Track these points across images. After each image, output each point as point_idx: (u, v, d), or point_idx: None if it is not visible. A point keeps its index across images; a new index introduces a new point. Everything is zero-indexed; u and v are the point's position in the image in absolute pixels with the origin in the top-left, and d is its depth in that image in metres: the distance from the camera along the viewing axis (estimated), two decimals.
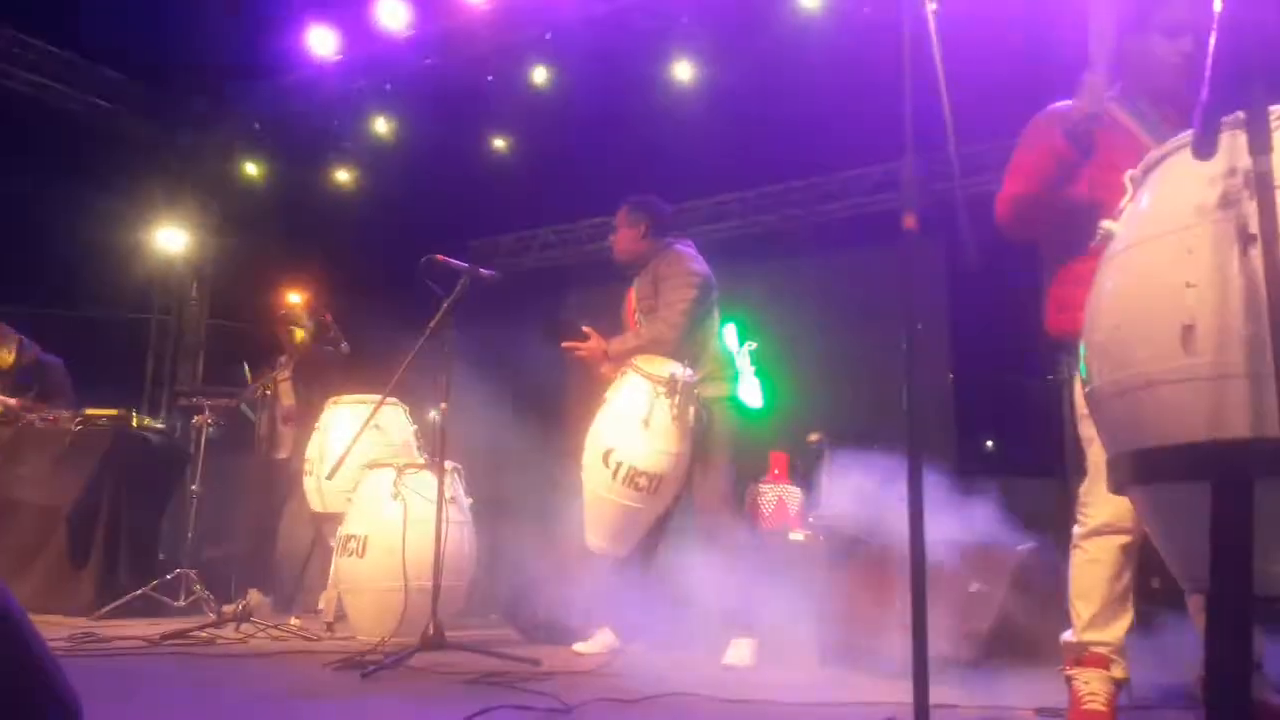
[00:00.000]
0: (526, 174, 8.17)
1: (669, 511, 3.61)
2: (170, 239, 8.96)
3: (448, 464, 4.16)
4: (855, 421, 5.50)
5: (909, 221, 1.64)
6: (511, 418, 4.28)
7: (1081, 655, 2.24)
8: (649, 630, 3.74)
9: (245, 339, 7.00)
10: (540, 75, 7.38)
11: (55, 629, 3.85)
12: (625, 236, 3.84)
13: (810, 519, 4.10)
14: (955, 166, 2.03)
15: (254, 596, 4.91)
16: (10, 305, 6.24)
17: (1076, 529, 2.26)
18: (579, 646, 3.76)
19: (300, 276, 6.55)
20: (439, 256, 3.51)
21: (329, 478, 4.21)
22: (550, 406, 4.59)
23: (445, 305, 3.48)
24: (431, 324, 3.51)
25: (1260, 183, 1.32)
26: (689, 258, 3.75)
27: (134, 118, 8.72)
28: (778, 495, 4.33)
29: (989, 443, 7.85)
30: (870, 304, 6.12)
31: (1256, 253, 1.42)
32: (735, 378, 3.75)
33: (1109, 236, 1.70)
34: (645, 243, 3.81)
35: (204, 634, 3.89)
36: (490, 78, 7.61)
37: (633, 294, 3.87)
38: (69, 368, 5.90)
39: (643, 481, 3.36)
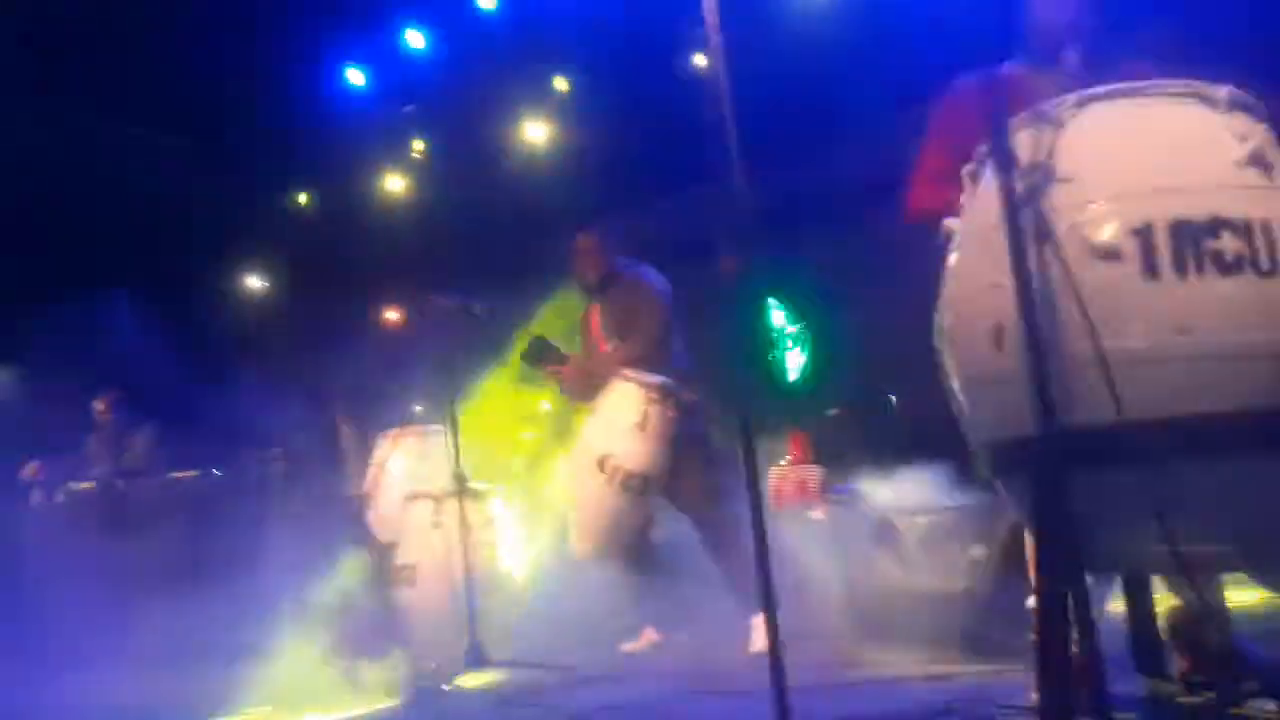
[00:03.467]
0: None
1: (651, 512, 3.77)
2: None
3: (486, 486, 4.39)
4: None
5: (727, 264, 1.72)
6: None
7: None
8: (688, 620, 3.89)
9: None
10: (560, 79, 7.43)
11: None
12: (596, 260, 3.99)
13: (831, 496, 4.17)
14: None
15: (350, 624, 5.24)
16: None
17: None
18: (625, 646, 3.94)
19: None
20: (432, 298, 3.72)
21: (353, 522, 4.47)
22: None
23: (444, 348, 3.69)
24: (435, 362, 3.73)
25: (1006, 198, 1.37)
26: (655, 279, 3.95)
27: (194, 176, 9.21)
28: (797, 475, 4.40)
29: None
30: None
31: (1050, 250, 1.47)
32: (698, 383, 3.90)
33: (950, 235, 1.75)
34: (610, 265, 3.97)
35: None
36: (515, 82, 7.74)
37: (597, 314, 4.03)
38: None
39: (635, 484, 3.52)
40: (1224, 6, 3.84)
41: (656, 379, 3.62)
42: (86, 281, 7.06)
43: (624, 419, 3.57)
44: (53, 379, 6.18)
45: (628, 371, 3.66)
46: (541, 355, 3.93)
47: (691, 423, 3.73)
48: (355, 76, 7.90)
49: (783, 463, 4.50)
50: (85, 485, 5.83)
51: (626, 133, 6.23)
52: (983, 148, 1.71)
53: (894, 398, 4.58)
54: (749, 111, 1.90)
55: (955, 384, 1.68)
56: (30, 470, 5.85)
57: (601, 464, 3.55)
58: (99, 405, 6.19)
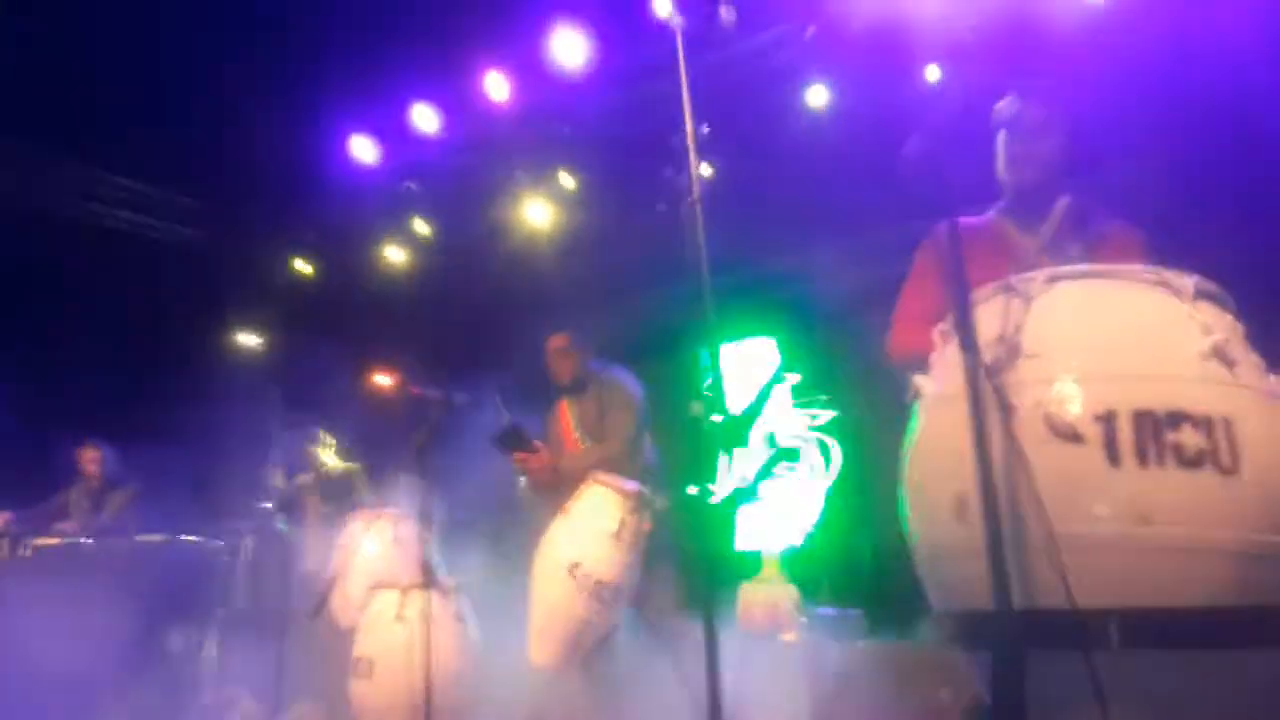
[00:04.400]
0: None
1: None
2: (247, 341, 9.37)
3: (453, 582, 4.31)
4: None
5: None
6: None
7: None
8: None
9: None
10: (564, 176, 7.55)
11: None
12: (571, 361, 4.03)
13: (804, 619, 4.10)
14: None
15: (299, 710, 5.09)
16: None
17: None
18: None
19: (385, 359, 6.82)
20: (414, 389, 3.72)
21: (312, 617, 4.38)
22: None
23: (420, 435, 3.67)
24: (412, 451, 3.71)
25: (971, 378, 1.38)
26: (629, 382, 4.01)
27: (202, 235, 9.30)
28: (769, 594, 4.31)
29: None
30: None
31: (1016, 424, 1.47)
32: (668, 489, 3.91)
33: (918, 393, 1.74)
34: (584, 366, 4.04)
35: None
36: (517, 171, 7.88)
37: (567, 411, 4.09)
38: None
39: (606, 594, 3.43)
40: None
41: (634, 486, 3.58)
42: (79, 330, 7.09)
43: (599, 525, 3.51)
44: (41, 429, 6.14)
45: (604, 476, 3.62)
46: (513, 442, 3.92)
47: (664, 532, 3.70)
48: (363, 148, 8.03)
49: (754, 580, 4.42)
50: (51, 541, 5.74)
51: (617, 232, 6.33)
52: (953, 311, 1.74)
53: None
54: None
55: (917, 546, 1.67)
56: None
57: (572, 570, 3.48)
58: (87, 454, 6.14)
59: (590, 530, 3.54)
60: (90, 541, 5.74)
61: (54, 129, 7.05)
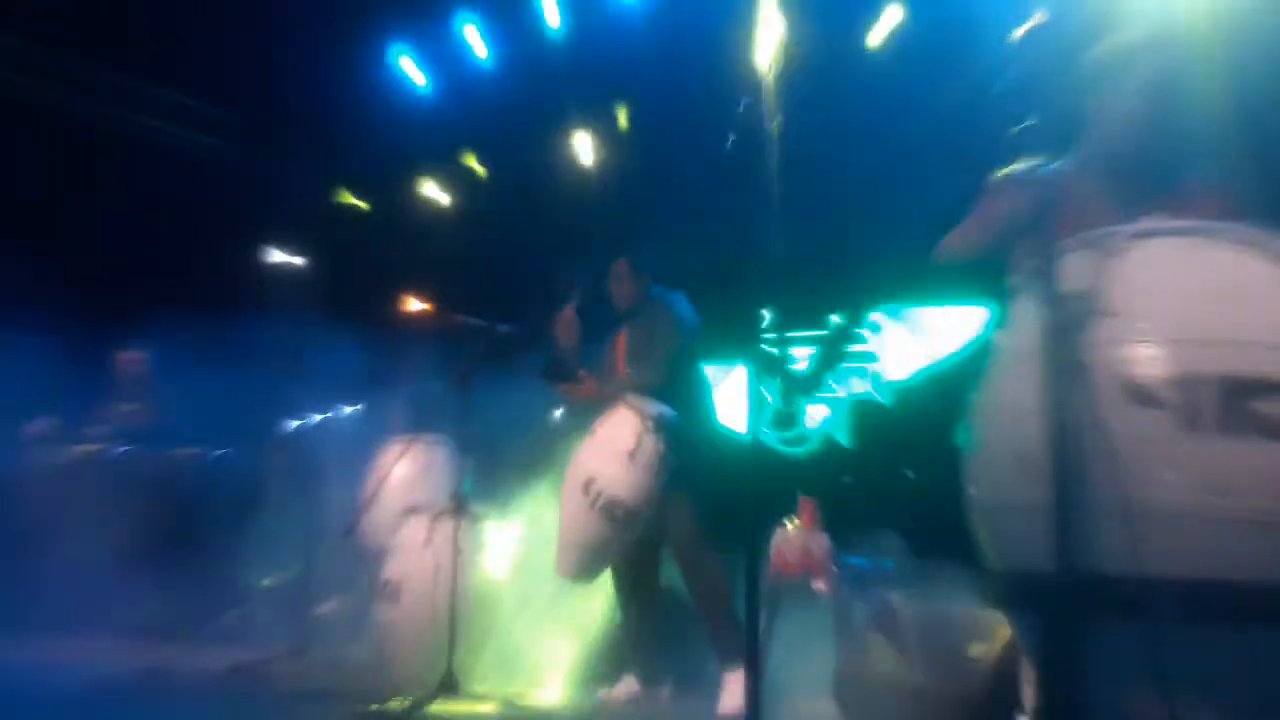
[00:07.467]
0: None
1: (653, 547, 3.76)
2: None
3: (482, 510, 4.33)
4: None
5: None
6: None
7: None
8: (675, 673, 3.83)
9: None
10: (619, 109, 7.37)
11: None
12: (625, 286, 3.98)
13: (834, 567, 4.08)
14: None
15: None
16: None
17: None
18: (602, 693, 3.86)
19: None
20: (457, 318, 3.71)
21: (345, 535, 4.43)
22: None
23: (462, 364, 3.67)
24: (452, 379, 3.73)
25: (1046, 333, 1.31)
26: (680, 309, 3.94)
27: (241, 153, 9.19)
28: (802, 541, 4.29)
29: None
30: None
31: (1092, 384, 1.41)
32: (712, 416, 3.92)
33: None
34: (641, 292, 4.00)
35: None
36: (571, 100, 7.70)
37: (623, 339, 4.06)
38: None
39: (619, 512, 3.45)
40: None
41: (656, 408, 3.58)
42: (114, 240, 7.08)
43: (617, 444, 3.52)
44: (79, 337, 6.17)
45: (631, 398, 3.63)
46: (559, 373, 3.92)
47: (686, 459, 3.65)
48: (412, 72, 7.85)
49: (788, 526, 4.40)
50: (87, 448, 5.81)
51: (672, 163, 6.18)
52: (1030, 263, 1.66)
53: (912, 474, 4.49)
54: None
55: (975, 500, 1.63)
56: (38, 428, 5.83)
57: (587, 486, 3.50)
58: (127, 357, 6.11)
59: (608, 449, 3.55)
60: (123, 450, 5.80)
61: (93, 38, 6.96)
